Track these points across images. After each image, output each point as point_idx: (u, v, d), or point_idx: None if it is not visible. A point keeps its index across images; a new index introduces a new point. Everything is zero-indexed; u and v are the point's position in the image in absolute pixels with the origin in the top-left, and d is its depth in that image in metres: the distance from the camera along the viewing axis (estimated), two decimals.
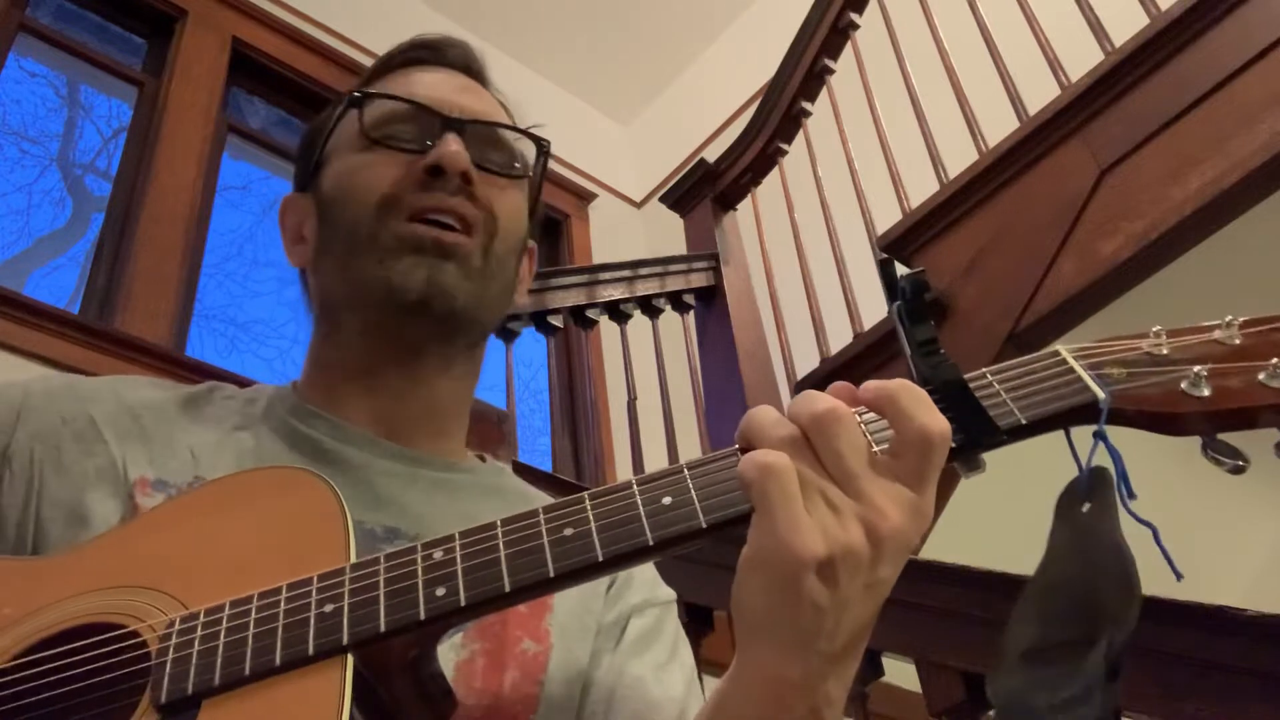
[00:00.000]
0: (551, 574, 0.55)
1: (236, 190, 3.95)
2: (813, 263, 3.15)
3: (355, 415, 0.78)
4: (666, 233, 3.94)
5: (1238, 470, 0.55)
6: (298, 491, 0.64)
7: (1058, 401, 0.57)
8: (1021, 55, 2.77)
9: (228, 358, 3.72)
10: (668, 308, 3.13)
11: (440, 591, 0.55)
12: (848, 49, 3.22)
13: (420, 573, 0.56)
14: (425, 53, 0.87)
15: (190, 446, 0.74)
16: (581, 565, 0.55)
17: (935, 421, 0.53)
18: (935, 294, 2.64)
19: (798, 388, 3.07)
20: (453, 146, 0.77)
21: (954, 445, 0.55)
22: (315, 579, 0.57)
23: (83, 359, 2.71)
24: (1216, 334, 0.59)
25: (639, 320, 3.05)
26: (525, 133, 0.85)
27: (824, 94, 3.25)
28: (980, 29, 2.86)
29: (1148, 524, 0.54)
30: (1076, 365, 0.58)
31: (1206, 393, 0.56)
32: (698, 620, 1.91)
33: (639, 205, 5.15)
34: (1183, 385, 0.56)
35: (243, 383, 0.88)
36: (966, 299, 2.67)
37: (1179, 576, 0.55)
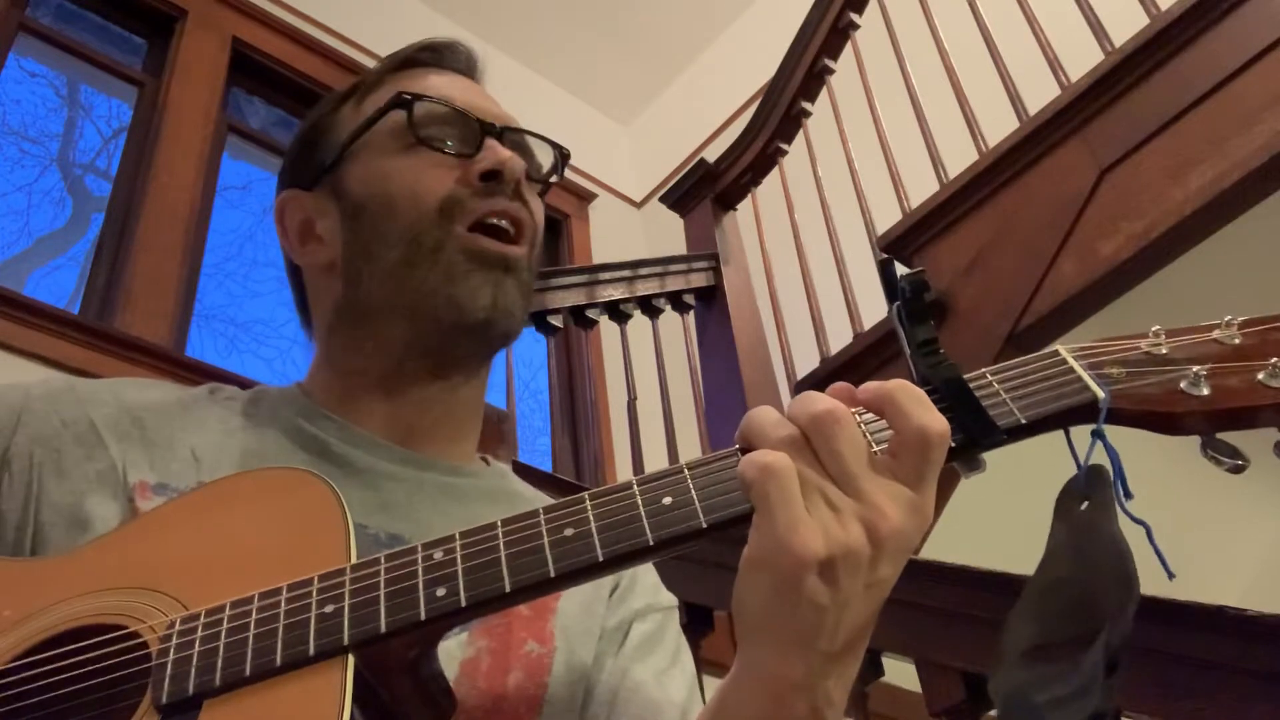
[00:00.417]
0: (552, 574, 0.55)
1: (236, 190, 3.95)
2: (813, 263, 3.15)
3: (370, 421, 0.78)
4: (666, 233, 3.94)
5: (1237, 470, 0.55)
6: (298, 492, 0.64)
7: (1057, 401, 0.57)
8: (1021, 55, 2.77)
9: (228, 358, 3.72)
10: (668, 308, 3.13)
11: (441, 592, 0.55)
12: (848, 49, 3.22)
13: (421, 573, 0.56)
14: (433, 55, 0.87)
15: (192, 448, 0.74)
16: (582, 565, 0.55)
17: (933, 420, 0.54)
18: (935, 294, 2.64)
19: (798, 388, 3.07)
20: (507, 152, 0.78)
21: (954, 445, 0.55)
22: (316, 579, 0.57)
23: (83, 359, 2.71)
24: (1216, 334, 0.59)
25: (639, 320, 3.05)
26: (549, 141, 0.86)
27: (824, 94, 3.25)
28: (980, 29, 2.86)
29: (1142, 523, 0.54)
30: (1076, 365, 0.58)
31: (1206, 392, 0.56)
32: (698, 620, 1.91)
33: (639, 205, 5.16)
34: (1182, 385, 0.57)
35: (243, 383, 0.88)
36: (966, 299, 2.67)
37: (1170, 575, 0.55)
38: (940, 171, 2.84)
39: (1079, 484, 0.57)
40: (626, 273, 3.04)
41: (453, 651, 0.67)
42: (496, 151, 0.78)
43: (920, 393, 0.55)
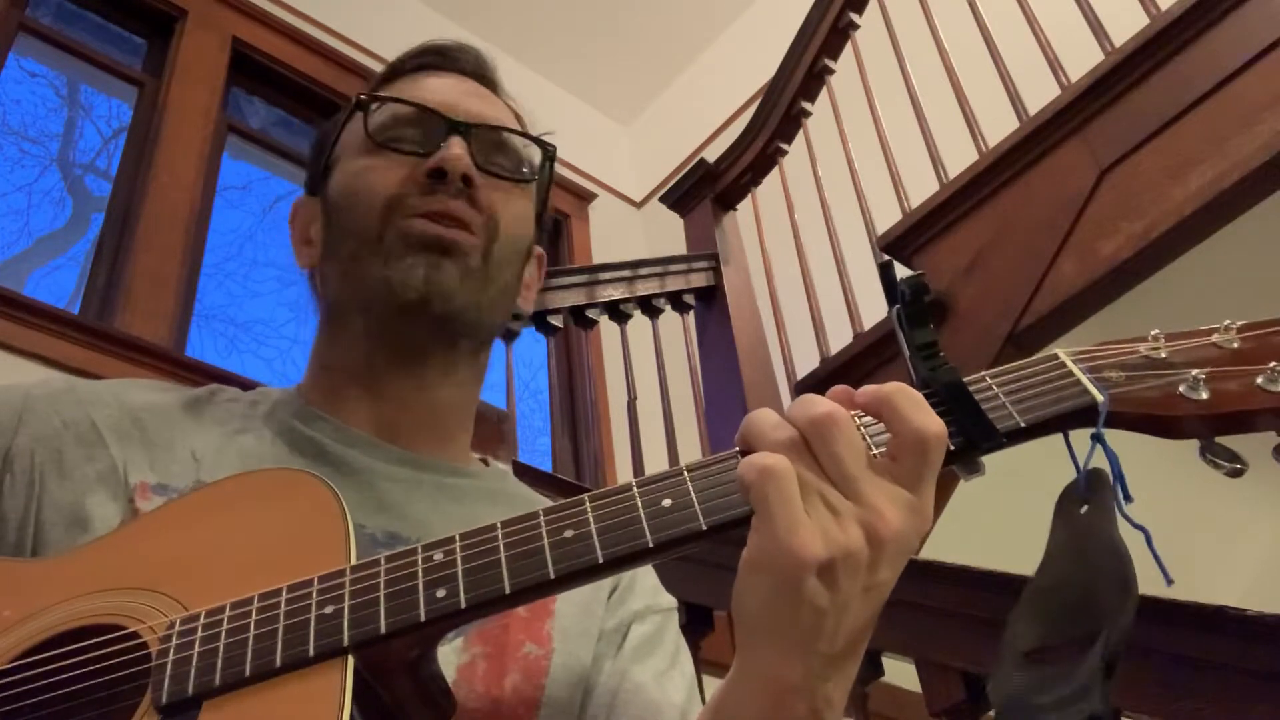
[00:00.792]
0: (552, 575, 0.55)
1: (236, 190, 3.95)
2: (813, 263, 3.15)
3: (357, 420, 0.79)
4: (666, 233, 3.94)
5: (1236, 473, 0.55)
6: (298, 493, 0.64)
7: (1056, 405, 0.57)
8: (1021, 55, 2.77)
9: (228, 358, 3.72)
10: (668, 308, 3.13)
11: (441, 593, 0.56)
12: (848, 49, 3.22)
13: (421, 574, 0.57)
14: (436, 58, 0.87)
15: (192, 449, 0.74)
16: (582, 567, 0.56)
17: (931, 423, 0.54)
18: (935, 294, 2.64)
19: (798, 388, 3.07)
20: (455, 150, 0.78)
21: (953, 448, 0.55)
22: (316, 580, 0.57)
23: (83, 359, 2.71)
24: (1215, 338, 0.59)
25: (639, 320, 3.05)
26: (530, 137, 0.85)
27: (824, 94, 3.25)
28: (980, 29, 2.86)
29: (1140, 527, 0.54)
30: (1075, 368, 0.58)
31: (1204, 396, 0.56)
32: (698, 620, 1.91)
33: (639, 205, 5.16)
34: (1181, 388, 0.57)
35: (243, 383, 0.89)
36: (966, 299, 2.67)
37: (1169, 582, 0.55)
38: (940, 171, 2.84)
39: (1079, 487, 0.57)
40: (626, 273, 3.04)
41: (448, 657, 0.67)
42: (446, 150, 0.78)
43: (918, 396, 0.55)
